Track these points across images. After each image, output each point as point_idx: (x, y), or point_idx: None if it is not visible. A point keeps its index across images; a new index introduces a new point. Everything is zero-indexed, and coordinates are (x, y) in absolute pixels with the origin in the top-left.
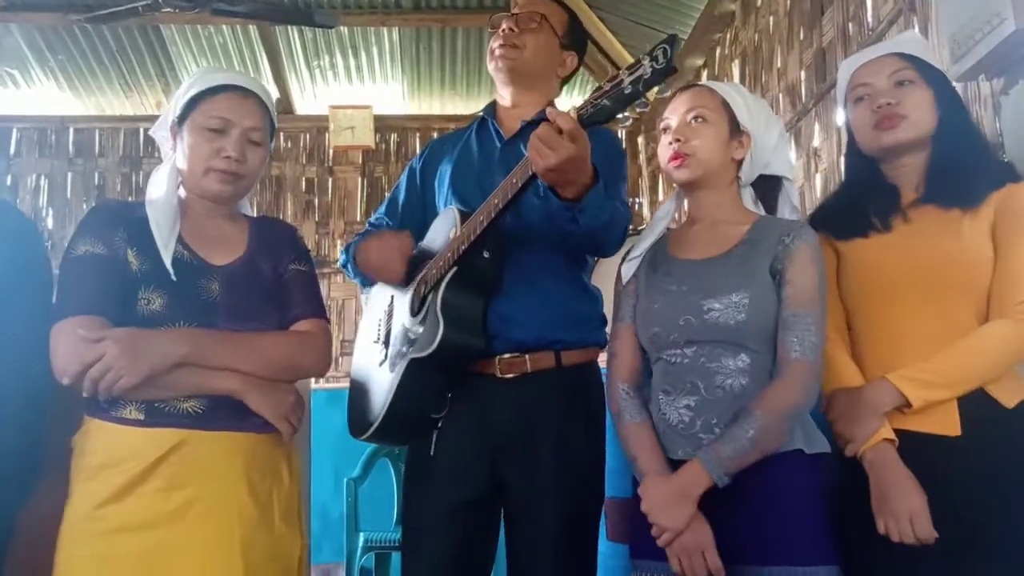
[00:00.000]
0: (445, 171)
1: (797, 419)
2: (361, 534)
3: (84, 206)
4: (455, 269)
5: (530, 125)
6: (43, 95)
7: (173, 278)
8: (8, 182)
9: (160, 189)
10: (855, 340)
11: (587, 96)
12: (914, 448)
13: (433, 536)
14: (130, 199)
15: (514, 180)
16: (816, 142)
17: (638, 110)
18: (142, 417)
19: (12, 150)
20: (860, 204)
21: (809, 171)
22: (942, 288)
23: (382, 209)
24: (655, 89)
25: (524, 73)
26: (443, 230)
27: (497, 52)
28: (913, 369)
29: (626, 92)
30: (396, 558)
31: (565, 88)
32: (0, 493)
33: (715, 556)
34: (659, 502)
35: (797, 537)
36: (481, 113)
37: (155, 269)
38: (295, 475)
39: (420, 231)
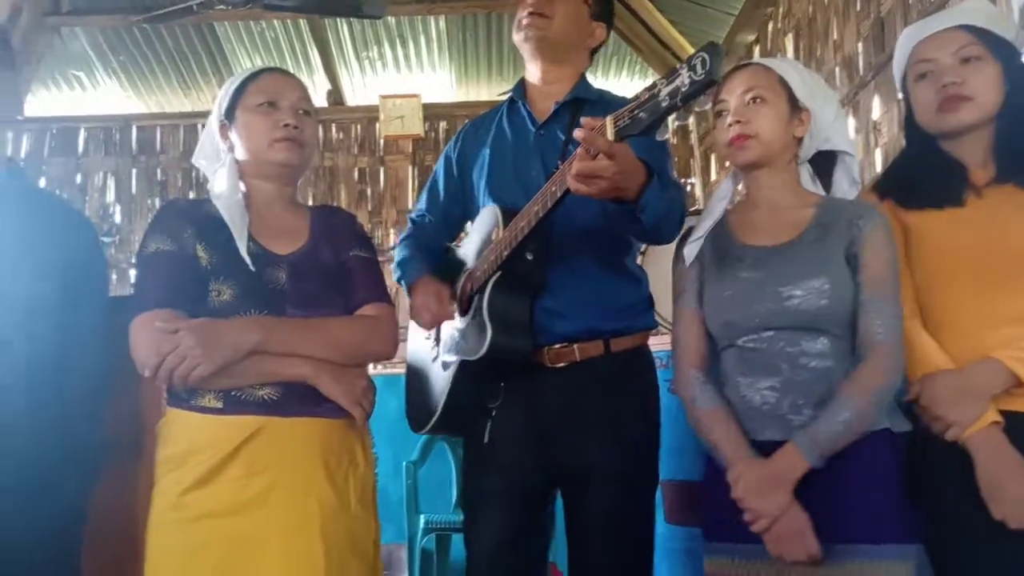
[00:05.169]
0: (482, 160)
1: (887, 400)
2: (421, 516)
3: (149, 201)
4: (499, 273)
5: (564, 107)
6: (107, 96)
7: (252, 268)
8: (78, 180)
9: (223, 184)
10: (929, 318)
11: (625, 104)
12: (1020, 429)
13: (491, 521)
14: (191, 194)
15: (553, 189)
16: (875, 115)
17: (677, 123)
18: (220, 405)
19: (80, 149)
20: (928, 175)
21: (869, 145)
22: None
23: (423, 204)
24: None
25: (554, 44)
26: (485, 228)
27: (525, 21)
28: (1019, 349)
29: (663, 105)
30: (457, 539)
31: (611, 70)
32: (71, 479)
33: (813, 540)
34: (754, 488)
35: (888, 515)
36: (510, 94)
37: (224, 261)
38: (369, 459)
39: (462, 220)
